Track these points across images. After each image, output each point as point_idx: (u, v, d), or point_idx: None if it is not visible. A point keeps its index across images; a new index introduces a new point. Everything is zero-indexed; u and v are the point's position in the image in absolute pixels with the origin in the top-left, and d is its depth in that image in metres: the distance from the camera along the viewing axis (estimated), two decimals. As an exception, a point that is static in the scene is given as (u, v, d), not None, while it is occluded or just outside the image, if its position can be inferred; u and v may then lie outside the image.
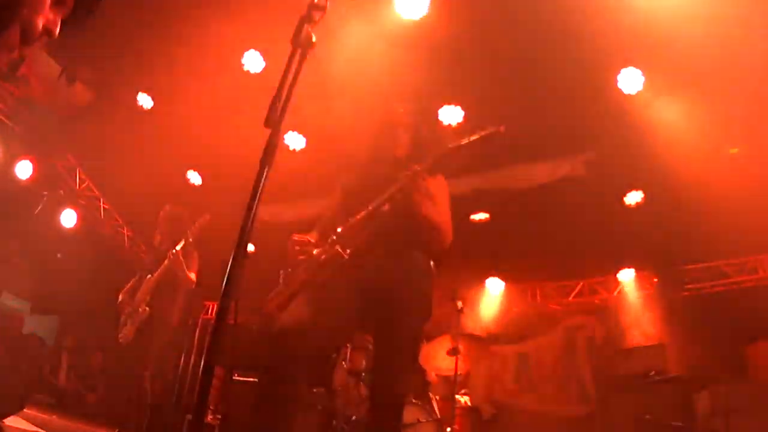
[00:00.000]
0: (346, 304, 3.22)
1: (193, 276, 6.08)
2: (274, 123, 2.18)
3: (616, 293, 9.83)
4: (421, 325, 3.34)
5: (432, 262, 3.42)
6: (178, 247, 5.93)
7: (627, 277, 9.67)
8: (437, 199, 3.40)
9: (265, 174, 2.15)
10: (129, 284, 6.35)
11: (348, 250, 3.16)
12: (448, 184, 3.64)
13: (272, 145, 2.18)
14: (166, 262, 5.96)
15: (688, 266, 9.07)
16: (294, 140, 8.65)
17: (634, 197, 8.39)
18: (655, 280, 9.40)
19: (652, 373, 7.70)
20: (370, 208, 3.22)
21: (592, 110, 7.21)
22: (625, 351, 8.97)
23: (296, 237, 3.42)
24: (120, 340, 6.01)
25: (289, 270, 3.40)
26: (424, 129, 3.76)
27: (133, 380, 5.85)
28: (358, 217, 3.24)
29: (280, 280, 3.43)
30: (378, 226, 3.22)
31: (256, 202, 2.12)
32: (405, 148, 3.64)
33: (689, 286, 9.03)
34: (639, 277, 9.59)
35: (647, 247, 8.66)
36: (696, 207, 7.26)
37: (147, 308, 5.90)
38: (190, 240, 5.98)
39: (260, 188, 2.14)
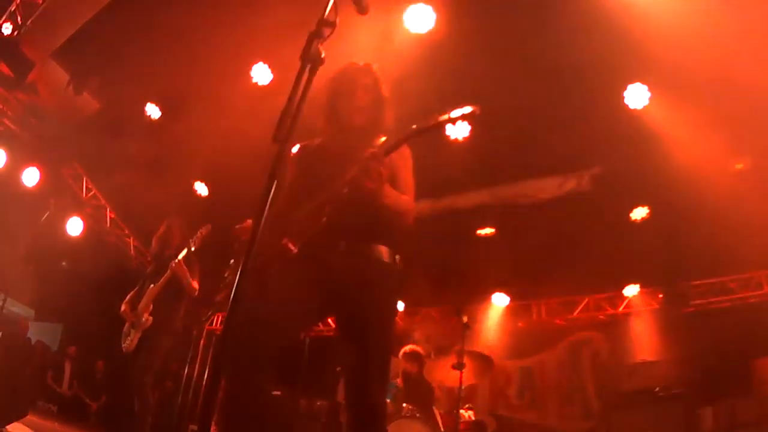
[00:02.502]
0: (300, 297, 2.94)
1: (195, 284, 6.10)
2: (283, 139, 2.19)
3: (621, 309, 9.80)
4: (391, 329, 3.10)
5: (397, 256, 3.10)
6: (180, 256, 5.95)
7: (632, 292, 9.64)
8: (399, 176, 3.10)
9: (273, 188, 2.15)
10: (130, 294, 6.36)
11: (298, 244, 2.85)
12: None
13: (280, 160, 2.18)
14: (168, 272, 5.98)
15: (693, 282, 9.04)
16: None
17: (639, 213, 8.38)
18: (661, 296, 9.37)
19: (657, 388, 7.66)
20: (322, 198, 2.90)
21: (598, 125, 7.22)
22: (629, 367, 8.95)
23: (241, 226, 3.09)
24: (123, 349, 6.02)
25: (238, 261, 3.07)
26: (385, 91, 3.30)
27: (136, 388, 5.85)
28: (310, 206, 2.93)
29: (226, 274, 3.18)
30: (335, 214, 2.88)
31: (264, 215, 2.12)
32: (364, 114, 3.21)
33: (694, 302, 9.00)
34: (644, 293, 9.57)
35: (653, 263, 8.64)
36: (701, 223, 7.26)
37: (150, 317, 5.92)
38: (192, 249, 6.00)
39: (268, 202, 2.14)
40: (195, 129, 8.11)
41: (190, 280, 6.01)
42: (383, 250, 3.05)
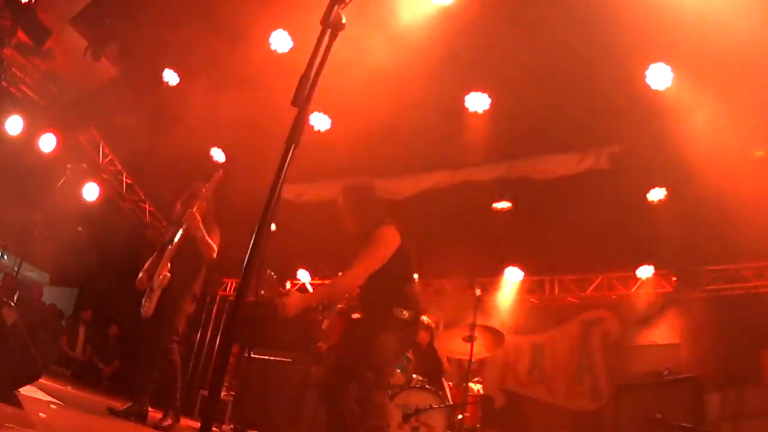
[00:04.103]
0: None
1: (215, 245, 6.00)
2: (302, 102, 2.18)
3: (634, 289, 9.76)
4: None
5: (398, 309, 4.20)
6: (194, 209, 5.88)
7: (646, 274, 9.58)
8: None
9: (291, 153, 2.14)
10: (148, 262, 6.30)
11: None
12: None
13: (299, 124, 2.17)
14: (183, 225, 5.93)
15: (707, 267, 8.99)
16: (319, 121, 8.64)
17: (657, 194, 8.30)
18: (674, 279, 9.32)
19: (666, 372, 7.65)
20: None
21: (619, 104, 7.15)
22: (639, 348, 8.94)
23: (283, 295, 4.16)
24: (142, 313, 5.98)
25: None
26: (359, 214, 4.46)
27: (156, 352, 5.85)
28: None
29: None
30: None
31: (281, 180, 2.12)
32: (353, 226, 4.48)
33: (707, 288, 8.95)
34: (658, 275, 9.50)
35: (667, 245, 8.56)
36: (718, 208, 7.18)
37: (168, 274, 5.86)
38: (204, 192, 5.92)
39: (285, 167, 2.14)
40: (212, 95, 8.09)
41: (204, 232, 5.92)
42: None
